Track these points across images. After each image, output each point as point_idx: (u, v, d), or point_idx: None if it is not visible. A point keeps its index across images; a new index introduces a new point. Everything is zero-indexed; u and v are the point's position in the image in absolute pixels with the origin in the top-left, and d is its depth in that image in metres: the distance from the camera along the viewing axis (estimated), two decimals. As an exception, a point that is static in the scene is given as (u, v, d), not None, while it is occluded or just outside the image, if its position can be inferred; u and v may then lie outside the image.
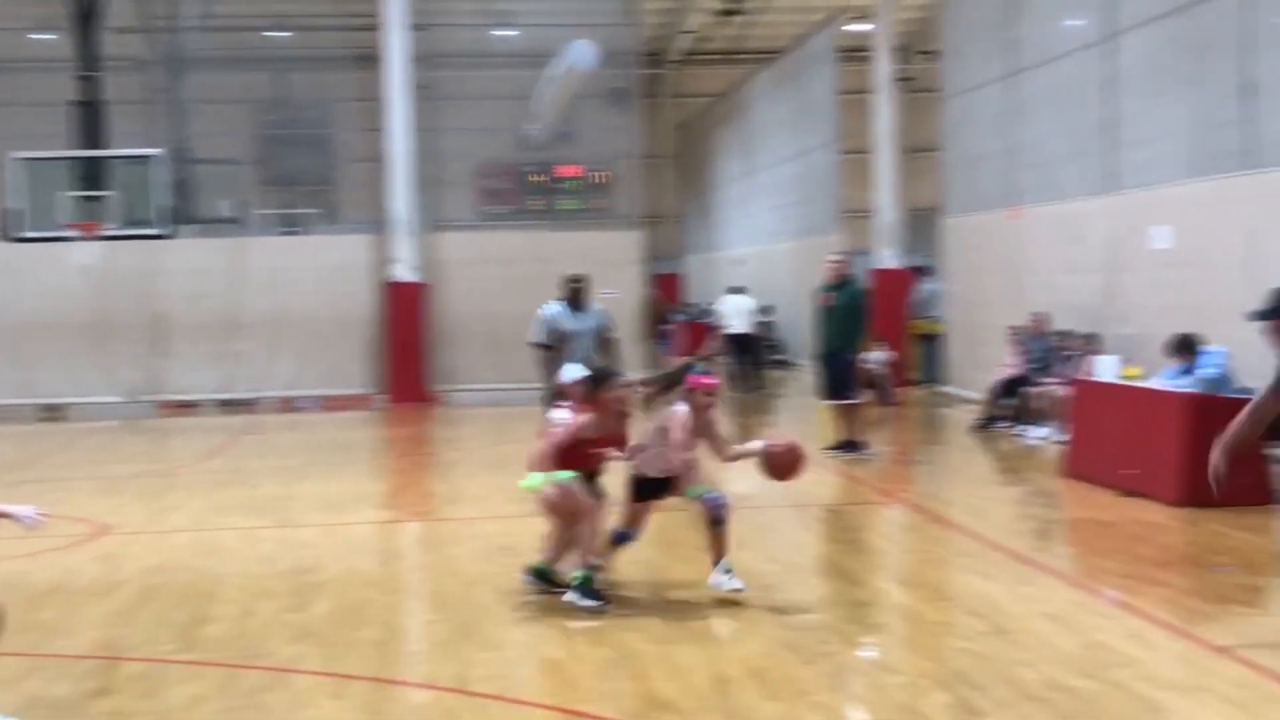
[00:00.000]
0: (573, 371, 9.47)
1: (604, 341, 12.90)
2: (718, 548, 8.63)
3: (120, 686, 7.19)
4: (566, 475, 8.52)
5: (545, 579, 8.95)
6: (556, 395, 12.34)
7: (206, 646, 7.90)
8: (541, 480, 8.55)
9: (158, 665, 7.56)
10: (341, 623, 8.56)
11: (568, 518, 8.73)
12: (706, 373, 8.95)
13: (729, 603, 8.66)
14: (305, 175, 27.92)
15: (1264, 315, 7.01)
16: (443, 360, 25.10)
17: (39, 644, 8.15)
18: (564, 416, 8.97)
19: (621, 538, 8.80)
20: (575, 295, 12.99)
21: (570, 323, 12.76)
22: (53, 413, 23.95)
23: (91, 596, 9.37)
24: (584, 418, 8.70)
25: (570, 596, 8.54)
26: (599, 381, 8.86)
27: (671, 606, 8.67)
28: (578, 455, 8.62)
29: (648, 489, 8.74)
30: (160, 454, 19.07)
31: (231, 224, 26.15)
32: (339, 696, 6.95)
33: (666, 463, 8.62)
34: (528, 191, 28.20)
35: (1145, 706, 6.48)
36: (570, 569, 8.74)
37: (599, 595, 8.51)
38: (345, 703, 6.84)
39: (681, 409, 8.63)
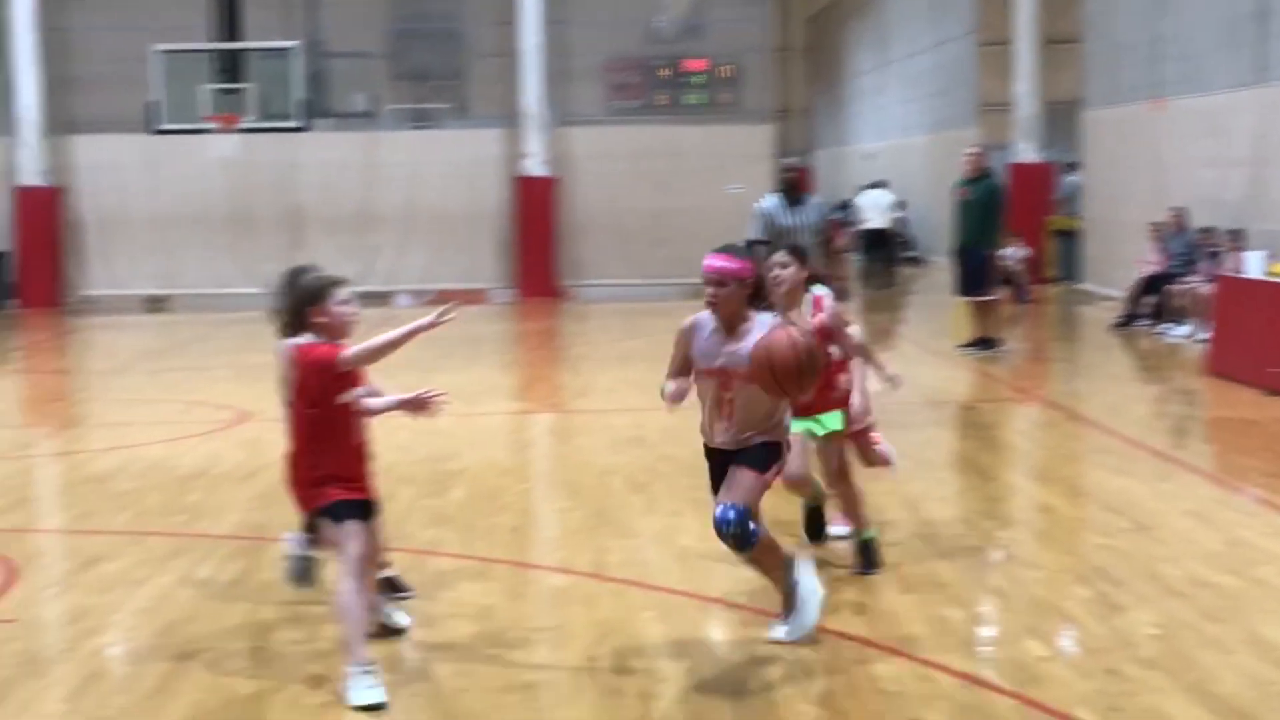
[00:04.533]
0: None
1: (824, 237, 11.48)
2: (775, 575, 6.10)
3: (265, 566, 7.36)
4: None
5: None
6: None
7: (348, 530, 8.06)
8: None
9: (302, 547, 7.73)
10: (478, 509, 8.68)
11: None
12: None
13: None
14: (437, 69, 27.92)
15: None
16: (571, 255, 25.17)
17: (187, 525, 8.40)
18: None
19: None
20: (790, 187, 11.46)
21: (786, 217, 11.33)
22: (157, 304, 24.61)
23: (235, 481, 9.59)
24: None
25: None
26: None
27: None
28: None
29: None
30: (297, 345, 19.37)
31: (365, 118, 26.31)
32: (479, 579, 7.07)
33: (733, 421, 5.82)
34: (655, 86, 27.97)
35: (1292, 605, 6.38)
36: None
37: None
38: (486, 585, 6.96)
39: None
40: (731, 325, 5.76)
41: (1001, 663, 5.75)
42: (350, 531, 5.64)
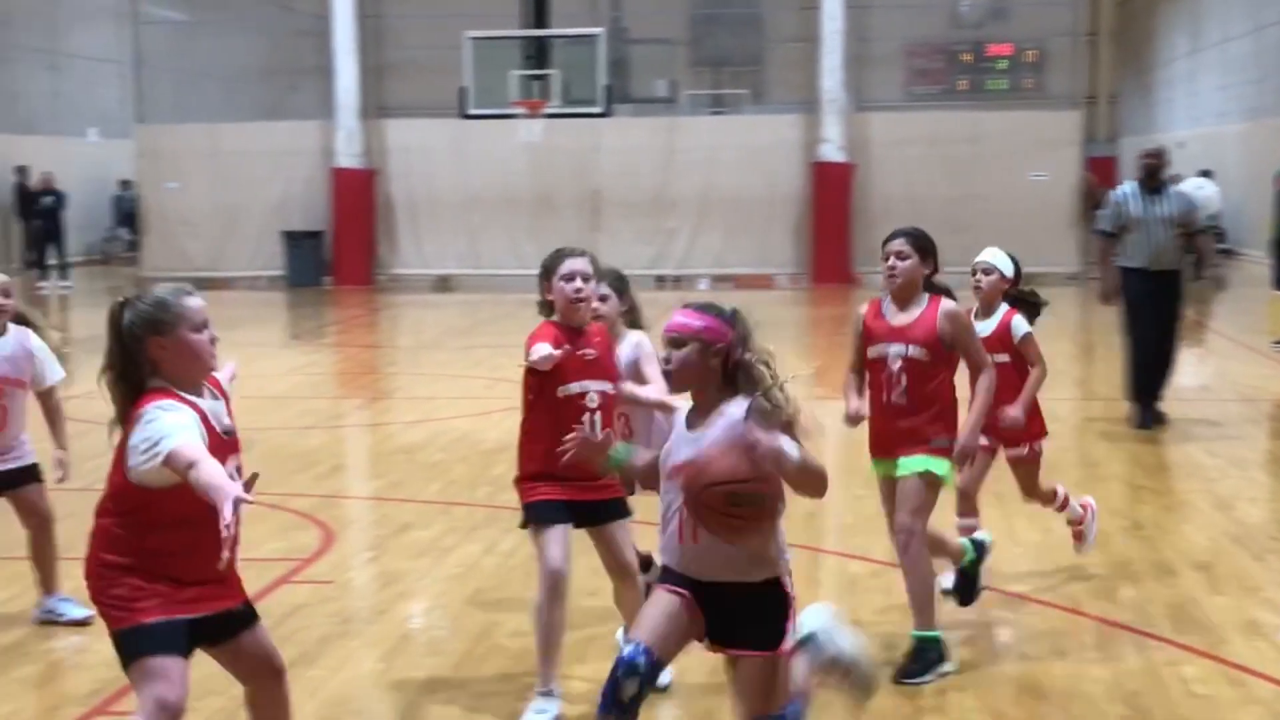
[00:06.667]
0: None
1: (1184, 231, 10.53)
2: None
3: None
4: None
5: None
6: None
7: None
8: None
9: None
10: (773, 492, 8.69)
11: None
12: None
13: (1160, 493, 8.36)
14: (736, 55, 28.06)
15: None
16: (866, 241, 24.95)
17: (491, 497, 8.66)
18: None
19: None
20: (1150, 174, 10.54)
21: (1140, 207, 10.44)
22: (444, 283, 25.45)
23: (537, 456, 9.83)
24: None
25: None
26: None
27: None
28: None
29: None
30: (595, 326, 19.78)
31: (664, 104, 26.60)
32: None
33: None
34: (957, 71, 27.52)
35: None
36: None
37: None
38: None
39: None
40: (701, 407, 4.13)
41: (1321, 673, 5.50)
42: (549, 538, 5.05)
